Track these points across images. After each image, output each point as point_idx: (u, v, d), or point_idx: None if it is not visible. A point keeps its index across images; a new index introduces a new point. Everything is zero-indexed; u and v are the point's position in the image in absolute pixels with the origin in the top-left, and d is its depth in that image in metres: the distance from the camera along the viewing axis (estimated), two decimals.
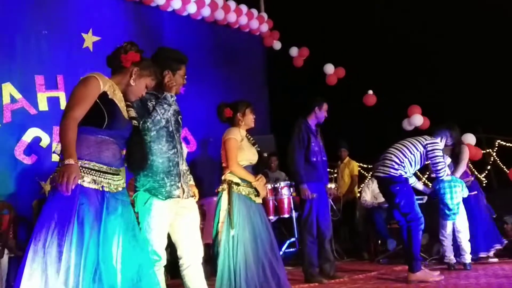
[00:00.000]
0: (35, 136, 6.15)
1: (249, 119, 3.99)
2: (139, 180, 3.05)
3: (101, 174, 2.43)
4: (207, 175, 6.78)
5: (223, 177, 3.88)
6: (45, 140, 6.19)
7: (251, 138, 4.03)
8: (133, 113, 2.67)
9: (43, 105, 6.24)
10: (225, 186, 3.82)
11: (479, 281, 4.35)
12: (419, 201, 5.65)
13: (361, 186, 7.96)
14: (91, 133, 2.43)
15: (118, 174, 2.54)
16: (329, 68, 8.69)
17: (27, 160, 6.01)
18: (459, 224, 5.22)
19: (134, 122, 2.64)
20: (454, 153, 5.62)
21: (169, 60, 3.18)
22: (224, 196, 3.80)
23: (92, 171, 2.40)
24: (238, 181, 3.80)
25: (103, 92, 2.45)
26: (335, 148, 7.60)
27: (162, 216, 3.03)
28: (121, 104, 2.57)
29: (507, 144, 8.07)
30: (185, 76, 3.28)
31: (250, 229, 3.72)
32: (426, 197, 6.30)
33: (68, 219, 2.25)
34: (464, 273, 4.90)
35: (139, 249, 2.53)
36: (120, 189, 2.53)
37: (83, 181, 2.35)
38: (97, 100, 2.43)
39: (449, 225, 5.25)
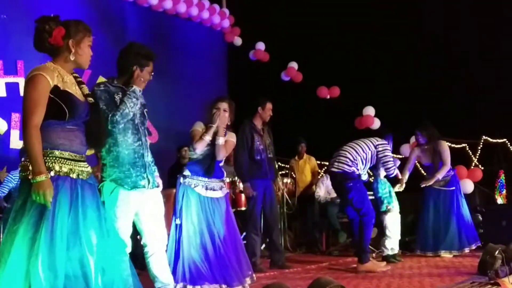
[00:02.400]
0: None
1: (210, 116, 4.06)
2: (105, 170, 3.16)
3: (75, 162, 2.50)
4: (166, 166, 6.86)
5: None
6: (2, 127, 6.10)
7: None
8: (86, 90, 2.66)
9: (1, 91, 6.15)
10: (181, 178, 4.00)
11: (421, 271, 4.71)
12: (370, 197, 5.96)
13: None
14: (57, 125, 2.47)
15: (85, 161, 2.61)
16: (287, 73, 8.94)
17: None
18: (388, 220, 5.59)
19: (90, 99, 2.63)
20: (433, 150, 5.96)
21: (139, 56, 3.26)
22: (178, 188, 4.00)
23: (68, 161, 2.46)
24: (188, 173, 3.97)
25: (54, 86, 2.44)
26: (292, 143, 7.80)
27: (127, 205, 3.15)
28: (73, 88, 2.54)
29: (452, 145, 8.54)
30: (152, 73, 3.39)
31: (196, 221, 3.87)
32: None
33: (46, 210, 2.31)
34: (408, 264, 5.26)
35: (110, 235, 2.59)
36: (90, 175, 2.60)
37: (60, 171, 2.42)
38: (52, 96, 2.43)
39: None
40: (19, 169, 2.49)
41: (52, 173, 2.39)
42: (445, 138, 7.89)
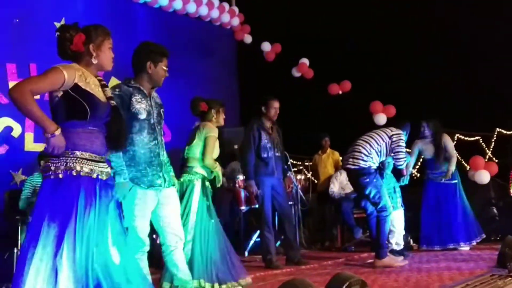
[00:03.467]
0: (6, 126, 6.11)
1: (222, 118, 4.26)
2: None
3: (95, 163, 2.53)
4: (178, 165, 6.86)
5: (194, 169, 4.05)
6: (17, 130, 6.16)
7: None
8: (109, 93, 2.71)
9: None
10: (198, 177, 4.01)
11: (439, 265, 4.69)
12: None
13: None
14: (78, 127, 2.51)
15: (105, 161, 2.65)
16: (303, 64, 8.87)
17: None
18: (394, 215, 5.55)
19: (112, 102, 2.68)
20: (436, 143, 5.95)
21: (152, 53, 3.31)
22: (197, 188, 3.98)
23: (88, 161, 2.50)
24: (205, 172, 4.05)
25: (75, 84, 2.48)
26: (315, 138, 7.78)
27: (144, 204, 3.18)
28: (96, 89, 2.60)
29: (465, 138, 8.47)
30: (167, 69, 3.42)
31: (215, 219, 4.03)
32: None
33: (68, 209, 2.36)
34: (426, 258, 5.24)
35: (124, 234, 2.63)
36: (109, 175, 2.63)
37: (82, 171, 2.45)
38: (74, 94, 2.48)
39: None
40: (39, 172, 2.53)
41: (74, 173, 2.43)
42: (458, 131, 7.87)
